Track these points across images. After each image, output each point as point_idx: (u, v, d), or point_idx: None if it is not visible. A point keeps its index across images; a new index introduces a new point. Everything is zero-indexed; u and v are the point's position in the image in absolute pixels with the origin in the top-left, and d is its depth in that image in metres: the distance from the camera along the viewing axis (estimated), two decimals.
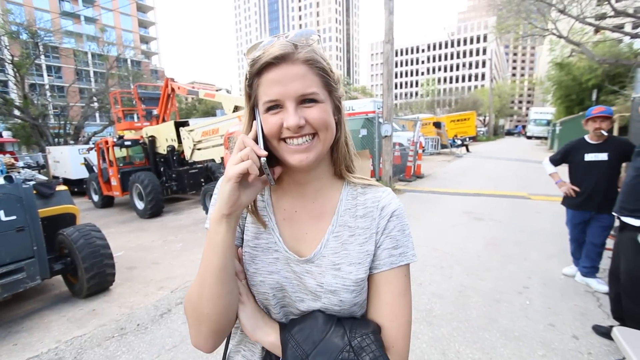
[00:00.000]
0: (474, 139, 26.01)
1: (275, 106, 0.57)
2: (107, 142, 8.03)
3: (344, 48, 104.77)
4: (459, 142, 19.65)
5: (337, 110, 0.63)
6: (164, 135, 7.66)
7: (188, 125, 7.24)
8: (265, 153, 0.56)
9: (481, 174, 10.43)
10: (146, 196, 6.95)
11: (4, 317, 3.17)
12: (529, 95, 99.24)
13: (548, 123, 27.21)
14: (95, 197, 8.98)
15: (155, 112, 8.74)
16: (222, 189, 0.56)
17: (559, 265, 3.57)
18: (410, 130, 15.95)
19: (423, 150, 12.00)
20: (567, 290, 3.12)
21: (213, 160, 6.79)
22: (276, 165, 0.63)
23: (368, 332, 0.58)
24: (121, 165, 8.16)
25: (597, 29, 14.89)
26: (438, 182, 9.28)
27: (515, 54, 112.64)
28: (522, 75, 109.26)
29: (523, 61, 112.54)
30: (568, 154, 3.19)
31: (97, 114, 27.86)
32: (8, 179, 2.79)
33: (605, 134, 2.96)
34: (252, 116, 0.61)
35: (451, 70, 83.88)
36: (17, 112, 18.26)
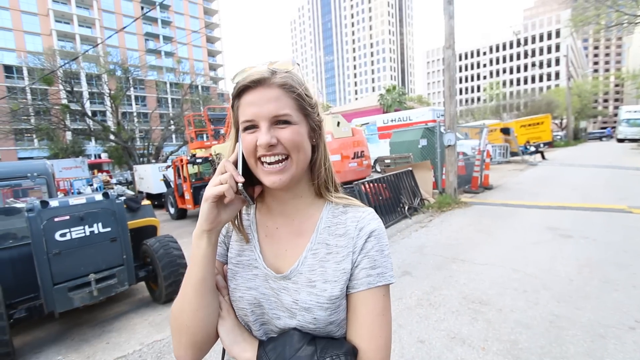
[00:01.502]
0: (550, 144, 23.25)
1: (251, 126, 0.60)
2: (181, 160, 8.89)
3: (397, 59, 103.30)
4: (533, 148, 17.72)
5: (315, 132, 0.66)
6: (229, 152, 8.20)
7: None
8: (242, 180, 0.59)
9: (563, 184, 9.17)
10: None
11: (99, 316, 3.57)
12: (617, 93, 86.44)
13: None
14: (172, 210, 9.91)
15: (222, 131, 9.46)
16: (202, 207, 0.61)
17: None
18: (473, 139, 14.93)
19: (490, 159, 11.07)
20: None
21: None
22: (257, 185, 0.66)
23: (339, 353, 0.58)
24: (193, 180, 8.93)
25: None
26: (511, 193, 8.41)
27: (596, 48, 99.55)
28: (607, 70, 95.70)
29: (607, 55, 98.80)
30: None
31: (173, 136, 31.26)
32: (105, 195, 3.18)
33: None
34: (237, 139, 0.65)
35: (518, 71, 77.11)
36: (112, 137, 21.38)
